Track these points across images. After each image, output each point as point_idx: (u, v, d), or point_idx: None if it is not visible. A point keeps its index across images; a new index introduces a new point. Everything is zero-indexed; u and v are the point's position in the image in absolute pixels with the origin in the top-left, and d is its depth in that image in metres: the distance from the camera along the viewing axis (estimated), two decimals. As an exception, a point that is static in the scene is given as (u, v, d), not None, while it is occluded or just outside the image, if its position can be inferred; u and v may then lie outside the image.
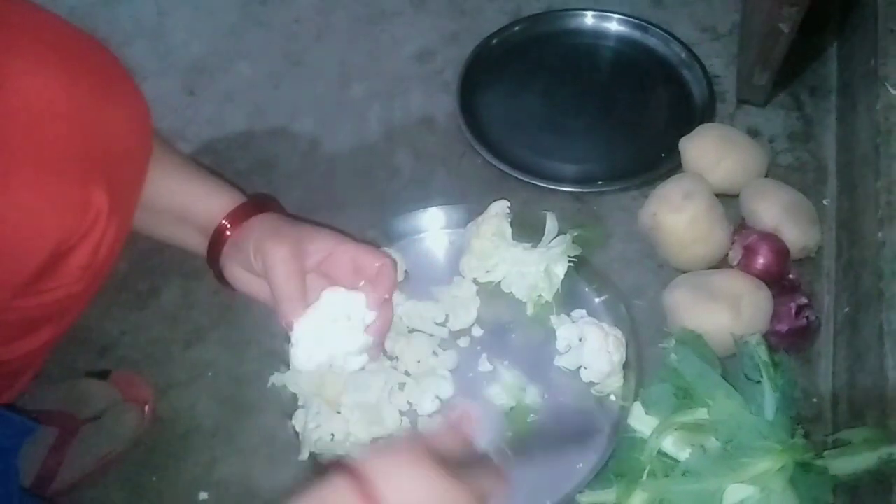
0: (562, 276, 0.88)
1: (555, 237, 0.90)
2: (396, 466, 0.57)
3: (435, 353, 0.86)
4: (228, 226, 0.76)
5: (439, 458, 0.58)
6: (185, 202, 0.77)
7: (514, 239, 0.89)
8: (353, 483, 0.54)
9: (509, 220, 0.90)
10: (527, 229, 0.90)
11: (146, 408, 0.86)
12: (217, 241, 0.76)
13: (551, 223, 0.90)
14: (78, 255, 0.63)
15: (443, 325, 0.89)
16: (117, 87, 0.66)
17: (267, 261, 0.71)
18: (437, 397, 0.84)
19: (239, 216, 0.76)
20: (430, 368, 0.85)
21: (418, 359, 0.85)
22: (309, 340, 0.73)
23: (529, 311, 0.89)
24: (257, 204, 0.78)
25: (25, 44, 0.59)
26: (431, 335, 0.87)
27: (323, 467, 0.58)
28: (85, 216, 0.62)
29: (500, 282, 0.90)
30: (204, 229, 0.77)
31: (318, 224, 0.79)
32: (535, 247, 0.89)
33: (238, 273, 0.76)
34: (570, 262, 0.88)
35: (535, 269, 0.88)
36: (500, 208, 0.90)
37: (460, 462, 0.59)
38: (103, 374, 0.87)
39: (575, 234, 0.89)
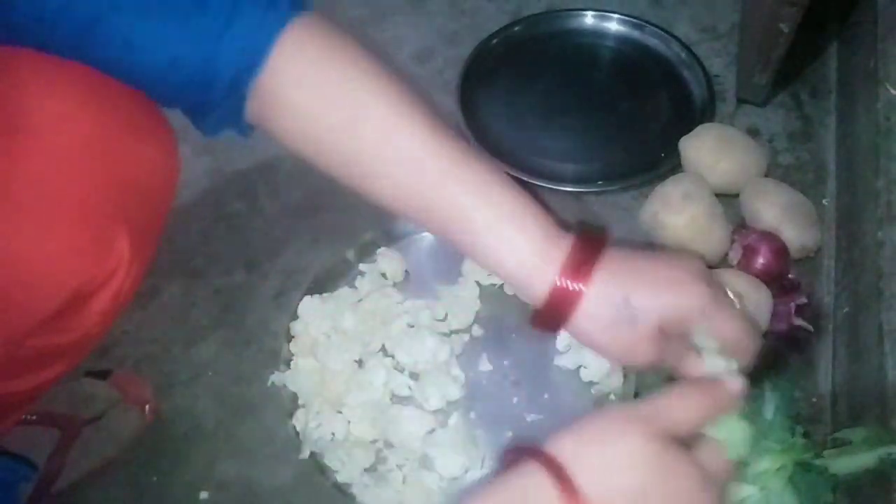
0: None
1: None
2: (599, 444, 0.48)
3: (440, 352, 0.86)
4: (575, 287, 0.56)
5: (663, 428, 0.49)
6: (494, 250, 0.58)
7: None
8: (548, 471, 0.47)
9: None
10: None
11: (147, 408, 0.86)
12: (563, 307, 0.56)
13: None
14: (98, 301, 0.61)
15: (442, 320, 0.89)
16: (147, 124, 0.63)
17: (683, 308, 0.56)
18: (444, 397, 0.84)
19: (582, 266, 0.56)
20: (437, 367, 0.85)
21: (419, 357, 0.85)
22: None
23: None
24: (592, 240, 0.58)
25: (52, 80, 0.58)
26: (434, 333, 0.87)
27: (513, 452, 0.50)
28: (106, 262, 0.60)
29: (502, 283, 0.90)
30: (522, 287, 0.58)
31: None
32: None
33: (598, 335, 0.57)
34: None
35: None
36: None
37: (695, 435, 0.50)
38: (104, 374, 0.87)
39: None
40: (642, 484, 0.48)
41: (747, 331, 0.58)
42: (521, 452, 0.49)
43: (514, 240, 0.57)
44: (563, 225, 0.58)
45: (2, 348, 0.58)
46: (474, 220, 0.57)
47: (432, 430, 0.81)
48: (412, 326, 0.88)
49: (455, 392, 0.84)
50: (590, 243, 0.57)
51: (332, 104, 0.59)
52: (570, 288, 0.56)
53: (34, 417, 0.81)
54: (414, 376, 0.86)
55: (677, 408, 0.51)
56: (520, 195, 0.59)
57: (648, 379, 0.82)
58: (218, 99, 0.59)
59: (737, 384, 0.55)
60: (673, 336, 0.57)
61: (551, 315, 0.57)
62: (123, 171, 0.60)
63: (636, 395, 0.81)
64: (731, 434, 0.54)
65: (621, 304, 0.55)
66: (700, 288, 0.56)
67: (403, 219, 0.71)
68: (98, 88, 0.59)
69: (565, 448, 0.48)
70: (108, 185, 0.59)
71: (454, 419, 0.82)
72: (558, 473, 0.47)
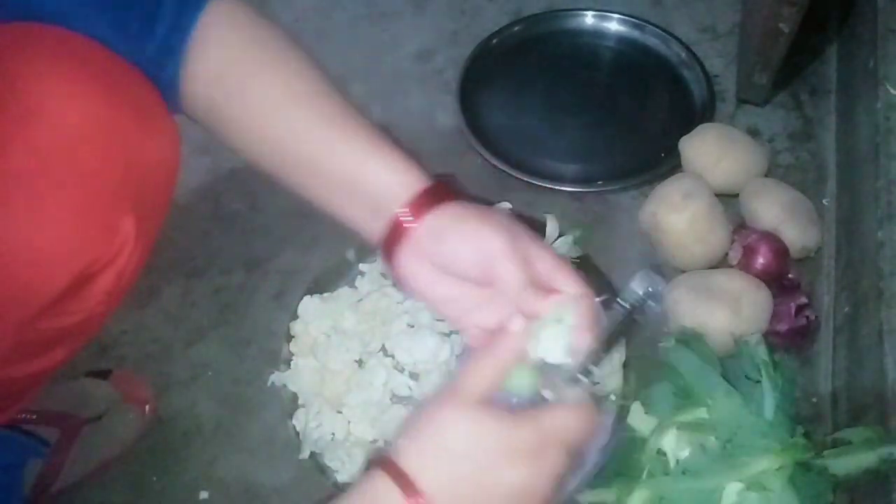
0: None
1: (556, 238, 0.89)
2: (431, 438, 0.53)
3: (440, 352, 0.86)
4: (416, 212, 0.62)
5: (477, 400, 0.53)
6: (358, 172, 0.64)
7: None
8: (392, 479, 0.51)
9: None
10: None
11: (146, 407, 0.86)
12: (395, 235, 0.62)
13: (552, 224, 0.90)
14: (103, 281, 0.62)
15: (442, 320, 0.89)
16: (153, 116, 0.64)
17: (493, 253, 0.59)
18: None
19: (430, 202, 0.62)
20: (437, 367, 0.85)
21: (419, 357, 0.85)
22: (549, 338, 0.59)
23: None
24: (446, 189, 0.64)
25: (63, 68, 0.58)
26: (434, 333, 0.87)
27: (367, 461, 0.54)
28: (112, 243, 0.61)
29: None
30: (376, 206, 0.63)
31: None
32: None
33: (420, 269, 0.62)
34: (573, 262, 0.88)
35: None
36: (501, 210, 0.90)
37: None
38: (104, 374, 0.87)
39: (576, 234, 0.89)
40: (478, 465, 0.52)
41: (557, 260, 0.62)
42: (375, 462, 0.53)
43: (378, 170, 0.64)
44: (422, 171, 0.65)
45: (13, 330, 0.58)
46: (343, 155, 0.64)
47: None
48: (412, 326, 0.88)
49: None
50: (435, 190, 0.63)
51: (239, 90, 0.64)
52: (405, 222, 0.61)
53: (34, 417, 0.81)
54: (414, 376, 0.86)
55: (478, 375, 0.55)
56: (389, 143, 0.66)
57: (646, 377, 0.82)
58: (161, 87, 0.63)
59: (516, 322, 0.58)
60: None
61: (388, 242, 0.62)
62: (130, 152, 0.61)
63: (636, 395, 0.81)
64: (520, 381, 0.57)
65: (435, 252, 0.61)
66: (500, 235, 0.60)
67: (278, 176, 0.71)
68: (107, 68, 0.61)
69: (406, 450, 0.52)
70: (115, 166, 0.60)
71: None
72: (400, 477, 0.51)
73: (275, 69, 0.67)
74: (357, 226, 0.66)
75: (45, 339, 0.65)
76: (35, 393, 0.74)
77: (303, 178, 0.67)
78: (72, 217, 0.58)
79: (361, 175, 0.64)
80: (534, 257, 0.60)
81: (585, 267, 0.91)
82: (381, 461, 0.52)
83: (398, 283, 0.66)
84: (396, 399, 0.85)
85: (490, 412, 0.53)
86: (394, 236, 0.62)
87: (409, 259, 0.62)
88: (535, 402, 0.57)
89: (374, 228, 0.64)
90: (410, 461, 0.52)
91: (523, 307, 0.59)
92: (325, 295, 0.92)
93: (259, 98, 0.65)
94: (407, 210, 0.62)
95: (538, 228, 0.90)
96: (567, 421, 0.55)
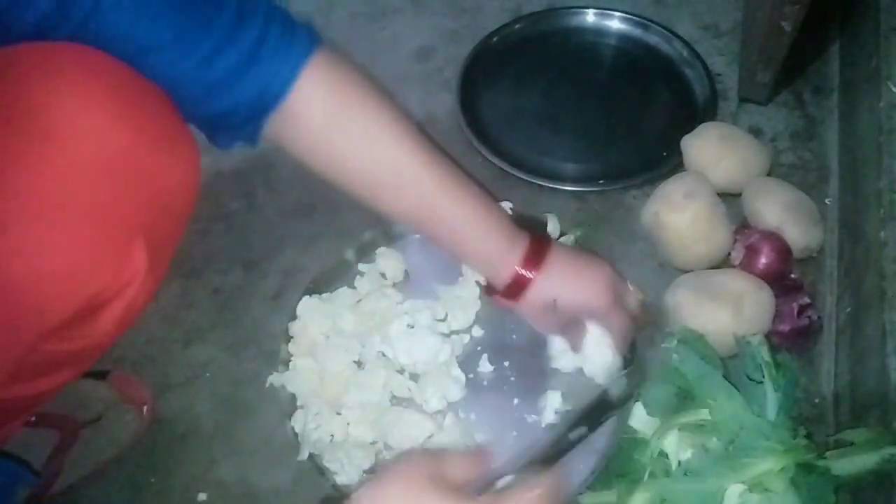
0: None
1: (557, 238, 0.89)
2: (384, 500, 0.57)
3: (440, 352, 0.85)
4: (529, 273, 0.77)
5: (444, 482, 0.57)
6: (471, 248, 0.78)
7: None
8: None
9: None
10: (529, 230, 0.90)
11: (145, 409, 0.86)
12: (519, 285, 0.78)
13: (553, 224, 0.89)
14: (112, 311, 0.62)
15: (442, 320, 0.88)
16: (177, 139, 0.63)
17: (591, 307, 0.79)
18: (444, 398, 0.83)
19: (533, 259, 0.77)
20: (437, 368, 0.85)
21: (419, 358, 0.85)
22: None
23: None
24: (542, 244, 0.79)
25: (82, 88, 0.57)
26: (434, 333, 0.87)
27: None
28: (123, 272, 0.60)
29: None
30: (490, 274, 0.80)
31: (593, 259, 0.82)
32: None
33: (536, 312, 0.80)
34: None
35: None
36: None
37: (474, 488, 0.58)
38: (102, 375, 0.87)
39: (577, 233, 0.88)
40: None
41: (629, 327, 0.81)
42: None
43: (487, 236, 0.77)
44: (518, 223, 0.80)
45: (19, 350, 0.57)
46: (457, 219, 0.76)
47: (430, 436, 0.81)
48: (412, 327, 0.87)
49: (455, 393, 0.84)
50: (539, 243, 0.79)
51: (347, 130, 0.71)
52: (526, 275, 0.77)
53: (33, 419, 0.81)
54: (414, 377, 0.85)
55: (464, 465, 0.60)
56: (491, 201, 0.79)
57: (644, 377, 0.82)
58: (238, 122, 0.67)
59: None
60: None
61: (509, 293, 0.79)
62: (148, 186, 0.60)
63: (637, 395, 0.81)
64: None
65: (550, 301, 0.78)
66: (606, 296, 0.78)
67: (401, 223, 0.86)
68: (135, 98, 0.60)
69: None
70: (131, 199, 0.59)
71: (448, 420, 0.82)
72: None
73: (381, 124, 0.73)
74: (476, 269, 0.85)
75: (51, 361, 0.64)
76: (38, 409, 0.74)
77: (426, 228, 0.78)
78: (83, 246, 0.57)
79: (478, 251, 0.78)
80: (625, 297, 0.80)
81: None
82: None
83: (516, 315, 0.83)
84: (396, 400, 0.84)
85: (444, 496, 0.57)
86: (516, 288, 0.78)
87: (525, 304, 0.79)
88: None
89: (488, 274, 0.81)
90: None
91: None
92: (324, 295, 0.91)
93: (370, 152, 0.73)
94: (524, 267, 0.77)
95: (539, 228, 0.90)
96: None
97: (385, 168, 0.73)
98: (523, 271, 0.77)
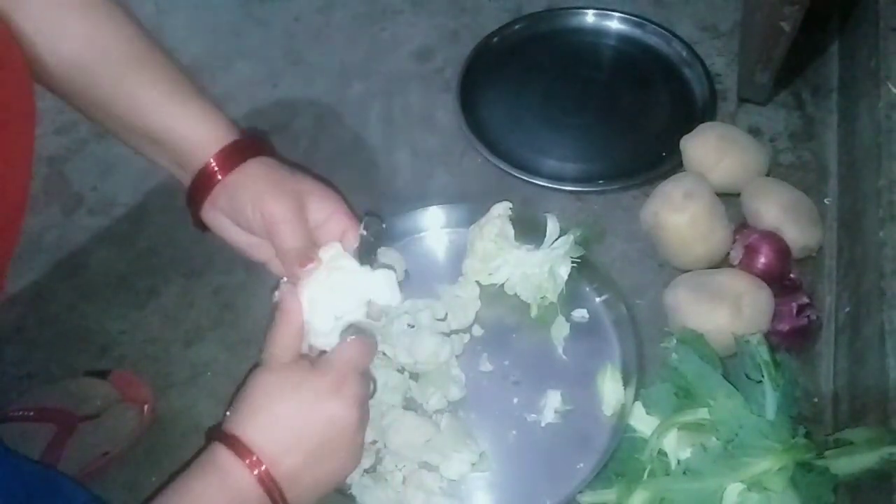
0: (566, 277, 0.88)
1: (557, 238, 0.89)
2: (256, 408, 0.63)
3: (440, 352, 0.85)
4: (217, 169, 0.68)
5: (282, 364, 0.64)
6: (164, 124, 0.68)
7: (516, 240, 0.89)
8: (227, 446, 0.62)
9: (511, 221, 0.89)
10: (528, 230, 0.90)
11: (145, 407, 0.86)
12: (204, 184, 0.69)
13: (553, 224, 0.90)
14: None
15: (442, 320, 0.89)
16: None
17: (269, 218, 0.67)
18: (444, 398, 0.83)
19: (231, 159, 0.68)
20: (437, 367, 0.85)
21: (419, 357, 0.85)
22: (325, 300, 0.69)
23: (533, 312, 0.89)
24: (251, 145, 0.70)
25: None
26: (434, 333, 0.87)
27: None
28: None
29: (503, 283, 0.90)
30: (184, 162, 0.69)
31: (314, 176, 0.74)
32: (537, 248, 0.89)
33: (221, 221, 0.70)
34: (573, 262, 0.88)
35: (538, 270, 0.87)
36: (502, 209, 0.90)
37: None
38: (102, 374, 0.87)
39: (577, 233, 0.88)
40: (296, 413, 0.63)
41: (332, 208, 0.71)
42: (209, 436, 0.64)
43: (192, 117, 0.68)
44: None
45: None
46: (151, 107, 0.68)
47: (429, 440, 0.81)
48: (412, 326, 0.87)
49: (455, 392, 0.84)
50: (243, 145, 0.69)
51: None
52: (216, 173, 0.68)
53: (31, 414, 0.81)
54: (414, 377, 0.85)
55: (278, 345, 0.66)
56: (198, 92, 0.70)
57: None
58: None
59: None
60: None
61: (193, 191, 0.69)
62: None
63: (636, 395, 0.81)
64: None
65: (227, 207, 0.68)
66: (281, 201, 0.68)
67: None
68: None
69: (234, 420, 0.64)
70: None
71: (445, 421, 0.82)
72: (234, 442, 0.62)
73: (92, 19, 0.68)
74: (172, 173, 0.72)
75: None
76: None
77: (118, 129, 0.70)
78: None
79: (170, 129, 0.68)
80: (313, 212, 0.70)
81: (586, 266, 0.91)
82: (215, 434, 0.63)
83: (196, 228, 0.73)
84: (396, 400, 0.84)
85: (293, 368, 0.65)
86: (198, 187, 0.69)
87: (209, 209, 0.70)
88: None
89: (183, 178, 0.70)
90: (238, 428, 0.63)
91: (292, 270, 0.68)
92: (325, 295, 0.91)
93: (75, 46, 0.66)
94: (213, 163, 0.68)
95: (539, 227, 0.90)
96: (352, 352, 0.67)
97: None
98: (213, 166, 0.67)
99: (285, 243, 0.67)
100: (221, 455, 0.62)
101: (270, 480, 0.62)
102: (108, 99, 0.68)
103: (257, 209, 0.67)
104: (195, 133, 0.68)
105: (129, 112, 0.68)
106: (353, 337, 0.69)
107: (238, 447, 0.62)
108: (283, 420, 0.64)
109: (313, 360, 0.68)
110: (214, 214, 0.71)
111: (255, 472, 0.62)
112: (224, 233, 0.72)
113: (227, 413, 0.65)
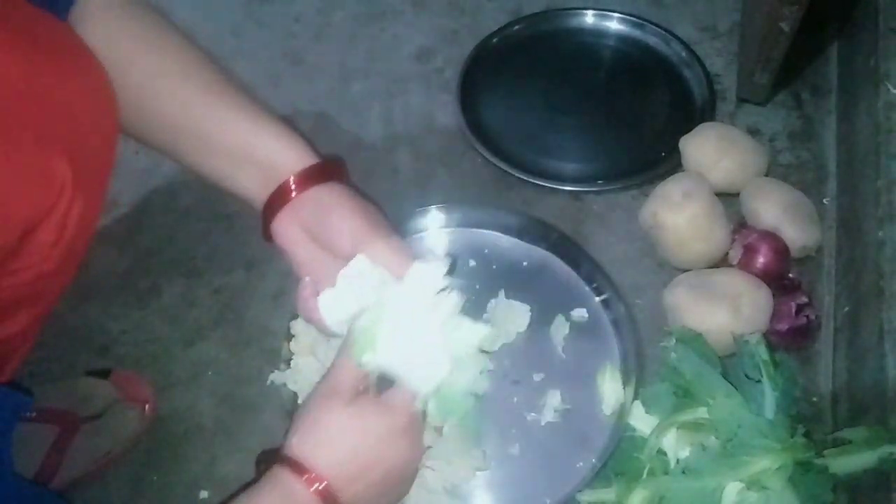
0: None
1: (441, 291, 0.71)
2: (315, 431, 0.64)
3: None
4: (294, 188, 0.70)
5: (346, 391, 0.65)
6: (249, 143, 0.71)
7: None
8: (293, 471, 0.62)
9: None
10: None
11: (146, 407, 0.86)
12: (279, 199, 0.71)
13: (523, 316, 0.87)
14: (44, 232, 0.62)
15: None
16: (74, 60, 0.64)
17: (357, 232, 0.69)
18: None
19: (309, 180, 0.71)
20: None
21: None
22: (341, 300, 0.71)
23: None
24: (329, 170, 0.73)
25: None
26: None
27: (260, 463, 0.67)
28: (49, 188, 0.60)
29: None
30: (266, 177, 0.71)
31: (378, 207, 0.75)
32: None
33: (294, 232, 0.71)
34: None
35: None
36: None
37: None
38: (104, 373, 0.87)
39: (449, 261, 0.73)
40: (355, 444, 0.64)
41: (402, 249, 0.71)
42: (267, 459, 0.64)
43: (271, 143, 0.71)
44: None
45: None
46: (233, 125, 0.71)
47: (429, 448, 0.80)
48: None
49: (483, 385, 0.83)
50: (325, 167, 0.72)
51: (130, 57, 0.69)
52: (292, 190, 0.70)
53: (33, 415, 0.81)
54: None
55: (345, 373, 0.66)
56: (279, 119, 0.73)
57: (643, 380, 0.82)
58: None
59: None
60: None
61: (271, 202, 0.71)
62: (54, 101, 0.61)
63: (636, 394, 0.81)
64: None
65: (315, 224, 0.70)
66: (368, 222, 0.70)
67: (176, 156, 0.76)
68: (22, 23, 0.61)
69: (300, 446, 0.64)
70: (39, 115, 0.60)
71: (447, 427, 0.81)
72: (298, 468, 0.62)
73: (155, 45, 0.71)
74: (246, 195, 0.73)
75: (2, 302, 0.64)
76: (15, 364, 0.72)
77: (192, 151, 0.72)
78: (2, 166, 0.57)
79: (253, 146, 0.71)
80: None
81: (586, 265, 0.91)
82: (279, 458, 0.64)
83: (265, 238, 0.73)
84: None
85: (364, 404, 0.65)
86: (277, 199, 0.70)
87: (285, 220, 0.71)
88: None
89: (264, 197, 0.71)
90: (305, 455, 0.63)
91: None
92: (325, 294, 0.91)
93: (142, 74, 0.70)
94: (297, 178, 0.70)
95: (539, 227, 0.90)
96: (410, 398, 0.67)
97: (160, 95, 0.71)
98: (291, 184, 0.70)
99: (380, 251, 0.69)
100: (289, 480, 0.63)
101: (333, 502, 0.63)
102: (181, 121, 0.71)
103: (351, 226, 0.69)
104: (280, 153, 0.71)
105: (209, 132, 0.71)
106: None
107: (302, 470, 0.63)
108: (353, 457, 0.64)
109: (375, 392, 0.68)
110: (289, 224, 0.71)
111: (316, 491, 0.63)
112: (292, 245, 0.72)
113: (291, 436, 0.65)
